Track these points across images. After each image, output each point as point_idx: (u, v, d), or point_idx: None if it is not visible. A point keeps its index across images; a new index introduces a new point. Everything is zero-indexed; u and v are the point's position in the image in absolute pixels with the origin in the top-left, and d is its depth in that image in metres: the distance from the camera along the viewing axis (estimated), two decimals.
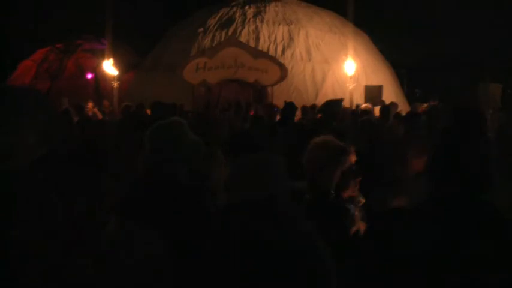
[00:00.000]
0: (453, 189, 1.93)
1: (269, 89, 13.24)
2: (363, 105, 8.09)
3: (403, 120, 5.91)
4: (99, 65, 15.85)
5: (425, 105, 10.90)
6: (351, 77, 13.26)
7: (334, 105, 6.35)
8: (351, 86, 13.00)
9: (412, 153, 2.86)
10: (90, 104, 11.87)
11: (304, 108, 9.28)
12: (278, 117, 7.35)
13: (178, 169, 2.46)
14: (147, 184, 2.45)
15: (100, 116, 10.58)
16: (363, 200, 2.80)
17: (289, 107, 7.48)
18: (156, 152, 2.46)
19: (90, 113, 10.37)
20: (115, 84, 13.54)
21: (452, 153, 2.01)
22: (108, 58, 13.35)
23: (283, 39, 14.81)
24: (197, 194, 2.45)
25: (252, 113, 8.20)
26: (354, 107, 10.86)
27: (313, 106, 8.69)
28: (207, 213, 2.31)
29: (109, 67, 13.24)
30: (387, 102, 10.83)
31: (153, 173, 2.46)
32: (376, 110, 9.79)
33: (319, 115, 7.21)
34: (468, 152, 2.01)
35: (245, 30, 14.88)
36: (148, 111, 7.67)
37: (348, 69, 13.37)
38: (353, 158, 2.71)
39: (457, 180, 1.93)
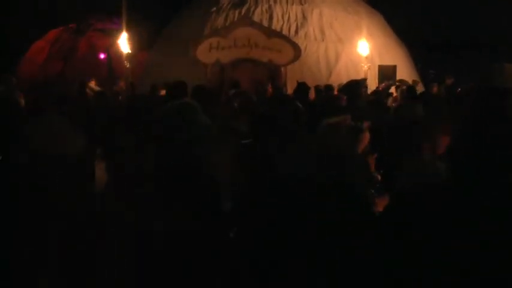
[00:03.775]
0: (476, 170, 1.91)
1: (282, 68, 13.15)
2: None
3: (423, 100, 5.87)
4: (112, 45, 15.79)
5: (435, 85, 10.74)
6: (365, 57, 13.13)
7: (355, 86, 6.26)
8: (365, 66, 12.87)
9: (438, 133, 2.85)
10: (92, 82, 12.01)
11: (317, 88, 9.22)
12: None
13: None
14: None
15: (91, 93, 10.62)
16: (379, 177, 2.79)
17: (302, 87, 7.45)
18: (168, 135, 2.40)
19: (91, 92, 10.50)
20: (127, 64, 13.46)
21: (475, 135, 1.99)
22: (122, 36, 13.18)
23: (296, 19, 14.64)
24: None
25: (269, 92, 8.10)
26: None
27: (329, 86, 8.61)
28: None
29: (122, 45, 13.10)
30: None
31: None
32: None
33: (336, 94, 7.17)
34: (492, 133, 1.98)
35: (258, 10, 14.72)
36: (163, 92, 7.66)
37: (362, 49, 13.22)
38: (367, 137, 2.71)
39: (480, 161, 1.91)
